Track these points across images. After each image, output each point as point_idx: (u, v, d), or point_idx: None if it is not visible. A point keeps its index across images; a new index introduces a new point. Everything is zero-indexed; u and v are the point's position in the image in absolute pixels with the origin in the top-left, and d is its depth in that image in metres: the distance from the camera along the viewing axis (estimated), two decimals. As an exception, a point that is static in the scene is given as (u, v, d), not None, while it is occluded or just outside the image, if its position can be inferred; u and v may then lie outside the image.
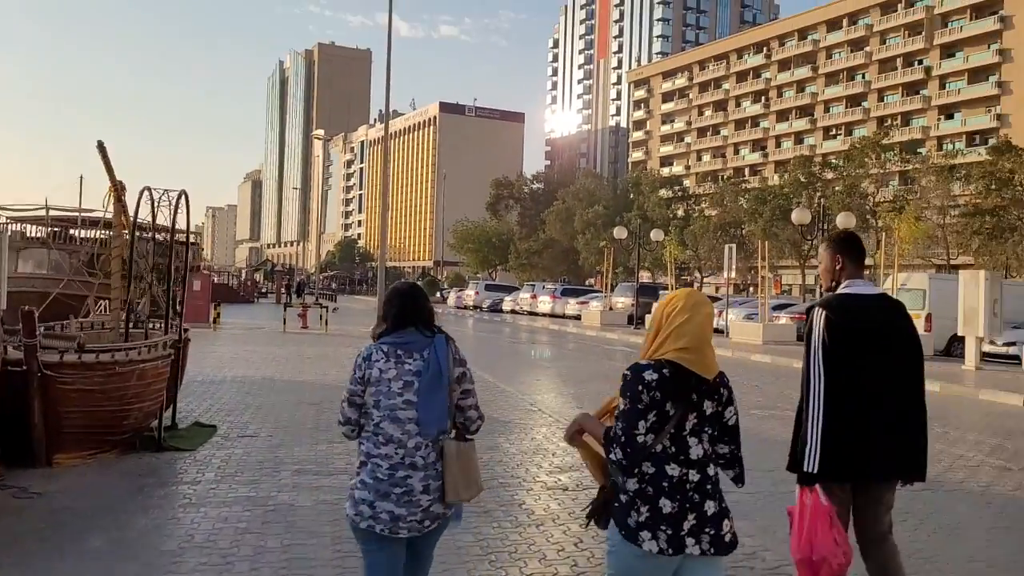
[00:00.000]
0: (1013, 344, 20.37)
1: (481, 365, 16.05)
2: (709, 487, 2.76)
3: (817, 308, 3.60)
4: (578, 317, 37.43)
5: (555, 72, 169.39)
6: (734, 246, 31.23)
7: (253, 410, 10.75)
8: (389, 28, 26.05)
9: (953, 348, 22.14)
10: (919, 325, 21.83)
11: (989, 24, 73.01)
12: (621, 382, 2.79)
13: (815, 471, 3.44)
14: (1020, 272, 42.65)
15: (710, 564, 2.75)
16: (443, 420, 3.21)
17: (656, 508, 2.68)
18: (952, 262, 49.07)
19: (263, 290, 66.61)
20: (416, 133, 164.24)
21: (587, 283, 70.37)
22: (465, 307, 53.50)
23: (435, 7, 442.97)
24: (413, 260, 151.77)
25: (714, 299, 36.87)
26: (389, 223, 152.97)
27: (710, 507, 2.74)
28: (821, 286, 3.98)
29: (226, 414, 10.33)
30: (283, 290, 53.22)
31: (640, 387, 2.72)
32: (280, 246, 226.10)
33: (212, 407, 10.80)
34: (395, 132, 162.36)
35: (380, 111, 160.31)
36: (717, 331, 30.61)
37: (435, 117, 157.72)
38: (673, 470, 2.71)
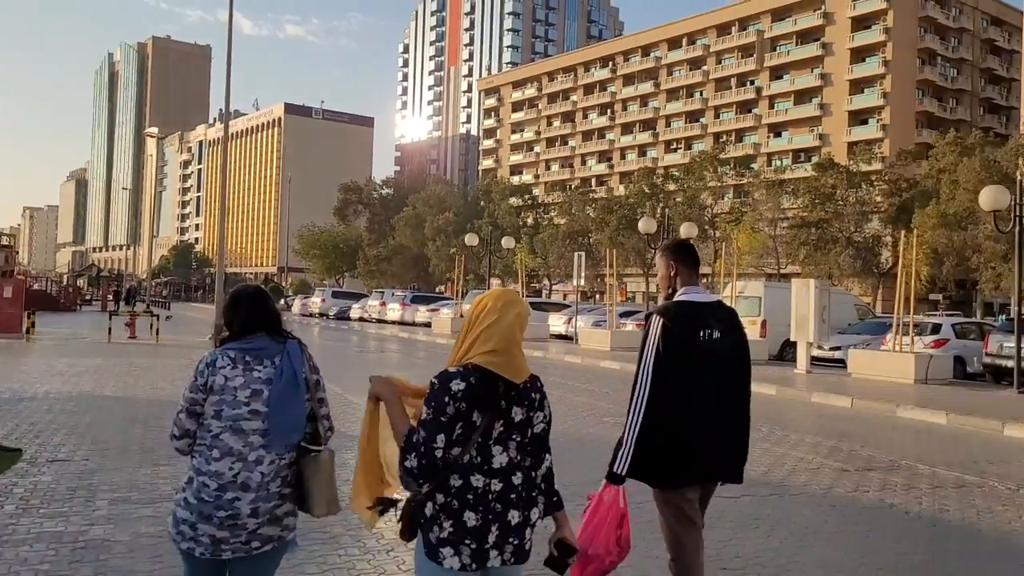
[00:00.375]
0: (839, 348, 21.65)
1: (329, 376, 15.26)
2: (513, 496, 2.66)
3: (655, 315, 3.63)
4: (428, 324, 36.99)
5: (406, 77, 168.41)
6: (583, 254, 31.76)
7: (67, 430, 9.60)
8: (230, 23, 24.78)
9: (786, 353, 23.36)
10: (755, 331, 22.91)
11: (812, 50, 78.57)
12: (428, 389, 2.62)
13: (623, 472, 3.48)
14: (841, 280, 45.92)
15: (508, 574, 2.70)
16: (297, 431, 3.00)
17: (460, 522, 2.59)
18: (782, 271, 52.26)
19: (87, 297, 61.98)
20: (260, 134, 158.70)
21: (438, 290, 70.03)
22: (311, 315, 51.83)
23: (280, 6, 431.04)
24: (255, 266, 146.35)
25: (563, 306, 37.56)
26: (229, 227, 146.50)
27: (514, 517, 2.65)
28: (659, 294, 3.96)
29: (34, 435, 9.18)
30: (110, 297, 49.75)
31: (446, 398, 2.60)
32: (108, 250, 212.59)
33: (18, 427, 9.60)
34: (237, 133, 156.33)
35: (220, 110, 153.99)
36: (566, 338, 31.10)
37: (280, 118, 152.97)
38: (477, 481, 2.61)
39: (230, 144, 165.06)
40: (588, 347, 26.13)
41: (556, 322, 33.13)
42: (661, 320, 3.59)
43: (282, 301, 68.04)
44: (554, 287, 66.90)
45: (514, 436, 2.70)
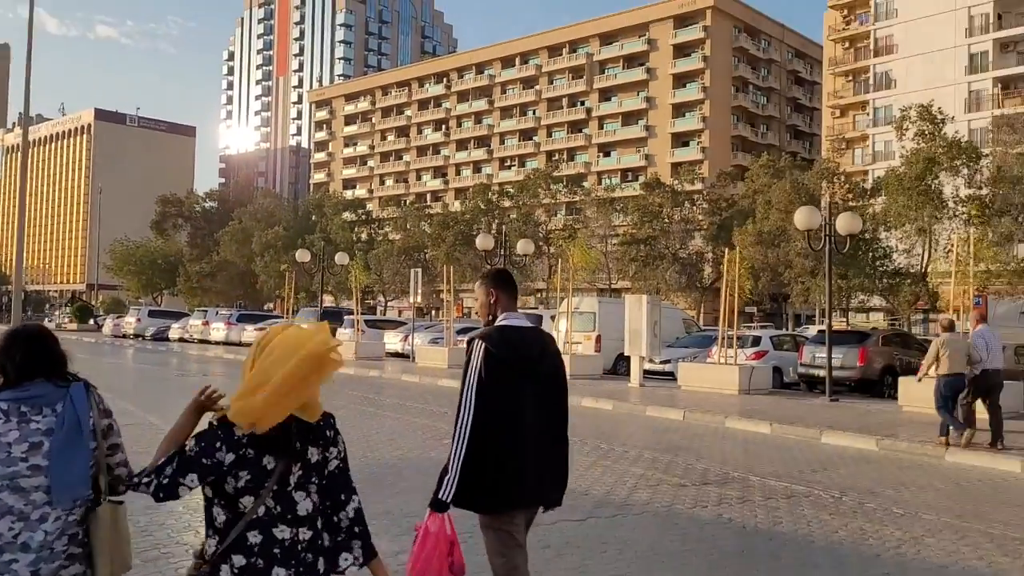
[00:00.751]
0: (669, 362, 22.35)
1: (144, 405, 14.06)
2: (320, 543, 2.54)
3: (477, 340, 3.64)
4: (257, 344, 35.22)
5: (231, 86, 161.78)
6: (419, 270, 31.31)
7: None
8: (30, 20, 22.60)
9: (619, 366, 23.88)
10: (590, 346, 23.28)
11: (638, 74, 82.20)
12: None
13: (448, 499, 3.47)
14: (668, 295, 47.95)
15: None
16: (84, 484, 2.71)
17: None
18: (613, 286, 53.99)
19: None
20: (66, 141, 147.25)
21: (266, 308, 67.34)
22: (124, 336, 48.24)
23: (91, 5, 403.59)
24: (61, 283, 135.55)
25: (399, 323, 36.88)
26: (31, 241, 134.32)
27: (321, 565, 2.53)
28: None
29: None
30: None
31: (218, 443, 2.40)
32: None
33: None
34: (39, 139, 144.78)
35: (20, 113, 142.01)
36: (402, 356, 30.49)
37: (90, 125, 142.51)
38: (283, 532, 2.44)
39: (32, 151, 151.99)
40: (425, 365, 25.67)
41: (392, 340, 32.45)
42: (483, 345, 3.59)
43: (91, 321, 63.27)
44: (390, 304, 65.93)
45: (313, 479, 2.54)
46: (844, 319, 43.93)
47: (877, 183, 41.24)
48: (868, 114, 67.19)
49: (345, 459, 2.67)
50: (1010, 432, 13.49)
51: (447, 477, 3.51)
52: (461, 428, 3.55)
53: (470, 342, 3.68)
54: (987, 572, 6.23)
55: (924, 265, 35.74)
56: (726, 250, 20.57)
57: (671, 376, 21.65)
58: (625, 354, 21.18)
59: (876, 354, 20.21)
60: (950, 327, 12.26)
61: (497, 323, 3.75)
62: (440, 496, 3.48)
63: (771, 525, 7.35)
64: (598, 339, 23.36)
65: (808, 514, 7.81)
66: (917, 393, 16.29)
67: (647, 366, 21.39)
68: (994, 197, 33.67)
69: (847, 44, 70.51)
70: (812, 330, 31.81)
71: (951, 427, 11.84)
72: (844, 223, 17.71)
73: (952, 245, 34.09)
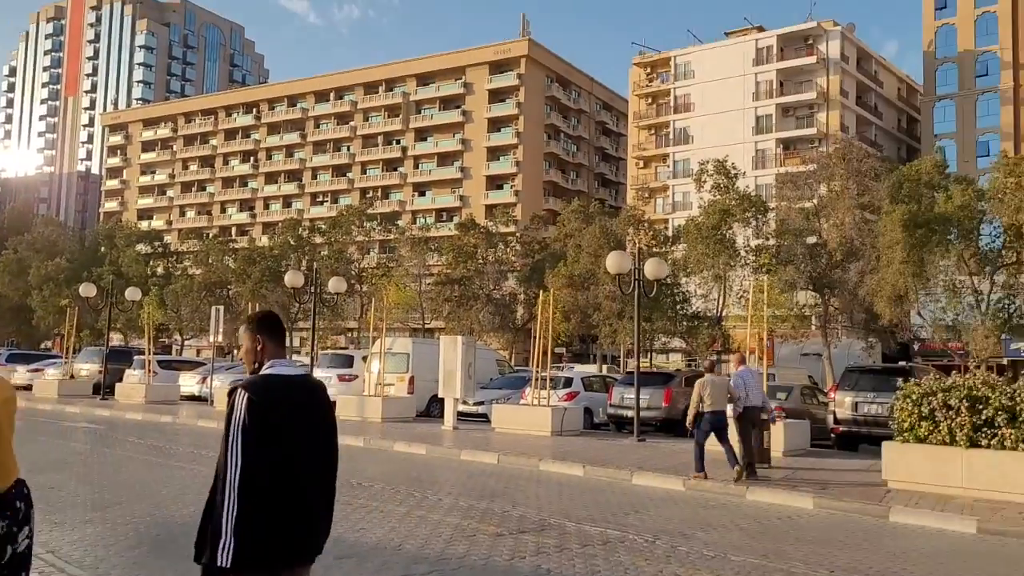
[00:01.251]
0: (482, 403, 22.12)
1: None
2: None
3: (240, 389, 3.43)
4: (29, 387, 31.64)
5: (11, 104, 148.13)
6: (221, 308, 29.42)
7: None
8: None
9: (432, 408, 23.38)
10: (403, 388, 22.65)
11: (454, 116, 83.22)
12: None
13: (228, 565, 3.23)
14: (481, 335, 48.18)
15: None
16: None
17: None
18: (427, 326, 53.55)
19: None
20: None
21: (43, 347, 61.28)
22: None
23: None
24: None
25: (197, 364, 34.44)
26: None
27: None
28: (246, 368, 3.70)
29: None
30: None
31: None
32: None
33: None
34: None
35: None
36: (200, 399, 28.36)
37: None
38: None
39: None
40: (225, 409, 23.89)
41: (188, 382, 30.16)
42: (247, 395, 3.39)
43: None
44: (187, 343, 61.89)
45: None
46: (648, 360, 45.88)
47: (677, 231, 43.76)
48: (668, 166, 71.57)
49: (31, 539, 2.31)
50: (800, 469, 14.26)
51: (221, 542, 3.24)
52: (230, 485, 3.31)
53: (231, 392, 3.43)
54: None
55: (720, 309, 38.06)
56: (540, 292, 20.75)
57: (485, 418, 21.43)
58: (439, 396, 20.72)
59: (680, 394, 20.93)
60: (711, 368, 13.19)
61: (263, 371, 3.59)
62: (219, 564, 3.23)
63: (589, 575, 7.10)
64: (411, 380, 22.81)
65: (624, 560, 7.65)
66: (718, 432, 16.99)
67: (460, 408, 21.05)
68: (779, 248, 36.49)
69: (650, 100, 75.03)
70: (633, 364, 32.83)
71: (726, 459, 12.69)
72: (652, 268, 18.30)
73: (744, 291, 36.69)
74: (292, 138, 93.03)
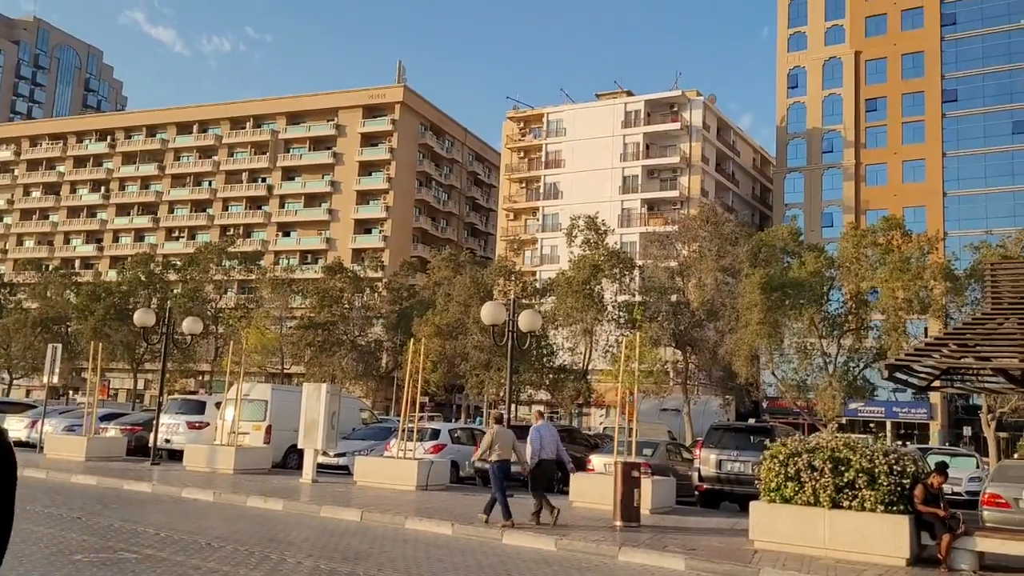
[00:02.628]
0: (344, 455, 21.10)
1: None
2: None
3: None
4: None
5: None
6: (59, 346, 27.03)
7: None
8: None
9: (290, 460, 22.13)
10: (259, 437, 21.33)
11: (324, 157, 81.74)
12: None
13: None
14: (344, 382, 46.67)
15: None
16: None
17: None
18: (287, 371, 51.41)
19: None
20: None
21: None
22: None
23: None
24: None
25: (26, 406, 31.46)
26: None
27: None
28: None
29: None
30: None
31: None
32: None
33: None
34: None
35: None
36: (28, 445, 25.79)
37: None
38: None
39: None
40: (57, 457, 21.80)
41: (16, 426, 27.38)
42: None
43: None
44: (17, 382, 56.87)
45: None
46: (513, 412, 45.62)
47: (546, 284, 44.17)
48: (538, 219, 72.70)
49: None
50: (668, 527, 14.18)
51: None
52: None
53: None
54: None
55: (586, 363, 38.41)
56: (410, 340, 20.13)
57: (346, 470, 20.45)
58: (299, 446, 19.59)
59: (548, 449, 20.69)
60: (500, 420, 14.30)
61: None
62: None
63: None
64: (268, 429, 21.52)
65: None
66: (587, 489, 16.79)
67: (321, 459, 20.00)
68: (645, 304, 37.38)
69: (522, 154, 76.35)
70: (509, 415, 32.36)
71: (505, 510, 13.28)
72: (526, 320, 18.10)
73: (610, 345, 37.27)
74: (149, 169, 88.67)
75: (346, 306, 48.29)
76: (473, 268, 47.07)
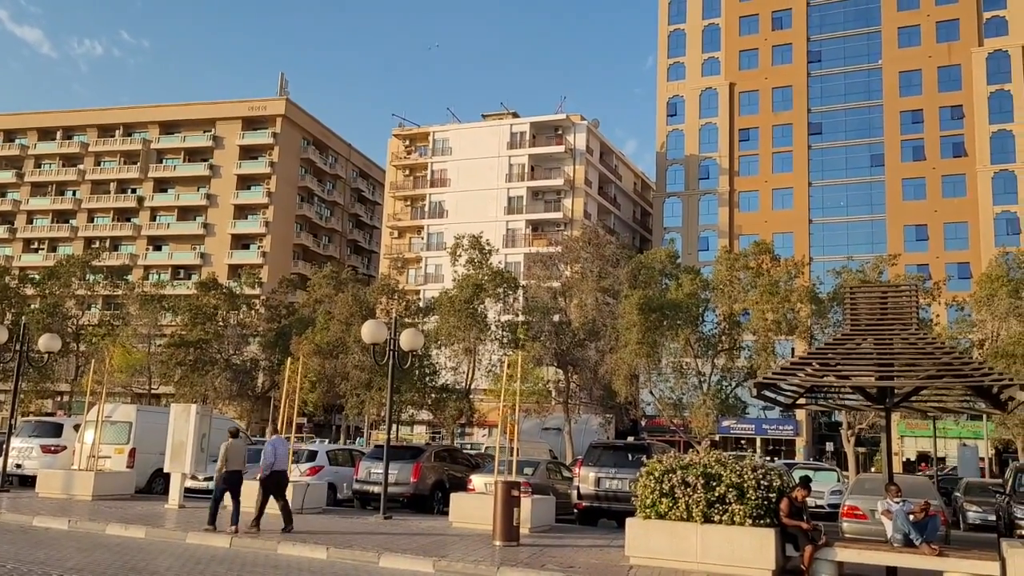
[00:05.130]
0: (211, 479, 20.15)
1: None
2: None
3: None
4: None
5: None
6: None
7: None
8: None
9: (155, 484, 21.00)
10: (122, 461, 20.13)
11: (200, 169, 78.85)
12: None
13: None
14: (216, 403, 44.77)
15: None
16: None
17: None
18: (154, 391, 48.94)
19: None
20: None
21: None
22: None
23: None
24: None
25: None
26: None
27: None
28: None
29: None
30: None
31: None
32: None
33: None
34: None
35: None
36: None
37: None
38: None
39: None
40: None
41: None
42: None
43: None
44: None
45: None
46: (395, 432, 45.01)
47: (429, 303, 43.86)
48: (423, 238, 72.33)
49: None
50: (547, 545, 14.16)
51: None
52: None
53: None
54: None
55: (468, 382, 38.27)
56: (288, 359, 19.51)
57: (210, 495, 19.52)
58: (165, 470, 18.59)
59: (429, 469, 20.47)
60: (235, 434, 15.26)
61: None
62: None
63: None
64: (132, 452, 20.35)
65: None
66: (467, 509, 16.64)
67: (189, 483, 19.05)
68: (528, 324, 37.65)
69: (407, 172, 75.92)
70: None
71: (218, 516, 14.28)
72: (408, 339, 17.86)
73: (493, 364, 37.32)
74: (6, 176, 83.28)
75: (220, 324, 46.43)
76: (355, 286, 46.22)
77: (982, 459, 46.35)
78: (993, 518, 20.42)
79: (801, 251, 55.52)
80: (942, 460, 48.93)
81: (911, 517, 11.62)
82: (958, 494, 24.87)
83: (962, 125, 62.62)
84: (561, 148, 69.38)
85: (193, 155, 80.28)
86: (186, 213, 79.22)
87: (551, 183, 69.32)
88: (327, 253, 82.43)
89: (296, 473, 19.25)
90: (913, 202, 62.76)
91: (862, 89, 66.50)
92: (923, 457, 53.82)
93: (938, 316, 38.85)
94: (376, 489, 18.71)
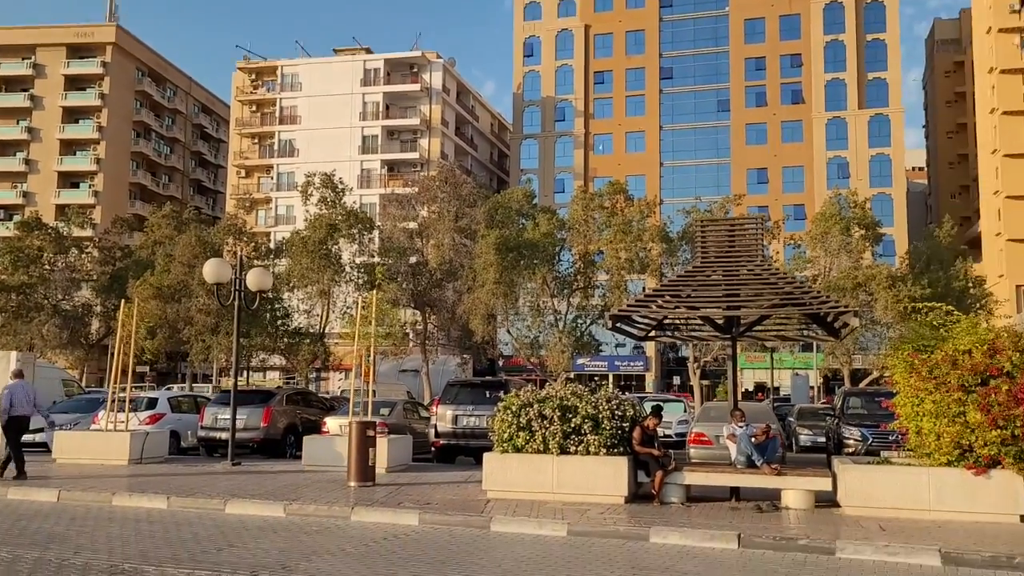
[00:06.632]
0: (42, 431, 18.68)
1: None
2: None
3: None
4: None
5: None
6: None
7: None
8: None
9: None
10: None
11: (19, 100, 72.11)
12: None
13: None
14: (45, 352, 41.73)
15: None
16: None
17: None
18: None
19: None
20: None
21: None
22: None
23: None
24: None
25: None
26: None
27: None
28: None
29: None
30: None
31: None
32: None
33: None
34: None
35: None
36: None
37: None
38: None
39: None
40: None
41: None
42: None
43: None
44: None
45: None
46: (245, 379, 43.52)
47: (280, 244, 42.24)
48: (272, 178, 69.44)
49: None
50: (404, 484, 13.97)
51: None
52: None
53: None
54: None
55: (323, 325, 37.29)
56: (121, 303, 18.14)
57: (45, 447, 18.18)
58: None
59: (280, 413, 19.79)
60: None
61: None
62: None
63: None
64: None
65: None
66: (321, 452, 16.19)
67: (15, 437, 17.56)
68: (384, 265, 36.95)
69: (254, 108, 72.26)
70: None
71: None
72: (255, 279, 16.98)
73: (349, 307, 36.50)
74: None
75: (47, 267, 42.97)
76: (198, 226, 43.75)
77: (812, 387, 49.95)
78: (823, 440, 21.89)
79: (652, 192, 57.19)
80: (777, 390, 52.39)
81: (753, 440, 12.18)
82: (792, 419, 26.51)
83: (801, 73, 65.83)
84: (417, 87, 67.91)
85: (11, 84, 73.19)
86: (5, 148, 72.49)
87: (407, 122, 67.92)
88: (168, 193, 77.71)
89: (135, 422, 18.14)
90: (755, 147, 65.74)
91: (710, 35, 68.50)
92: (760, 387, 57.44)
93: (777, 254, 41.10)
94: (223, 435, 17.89)
